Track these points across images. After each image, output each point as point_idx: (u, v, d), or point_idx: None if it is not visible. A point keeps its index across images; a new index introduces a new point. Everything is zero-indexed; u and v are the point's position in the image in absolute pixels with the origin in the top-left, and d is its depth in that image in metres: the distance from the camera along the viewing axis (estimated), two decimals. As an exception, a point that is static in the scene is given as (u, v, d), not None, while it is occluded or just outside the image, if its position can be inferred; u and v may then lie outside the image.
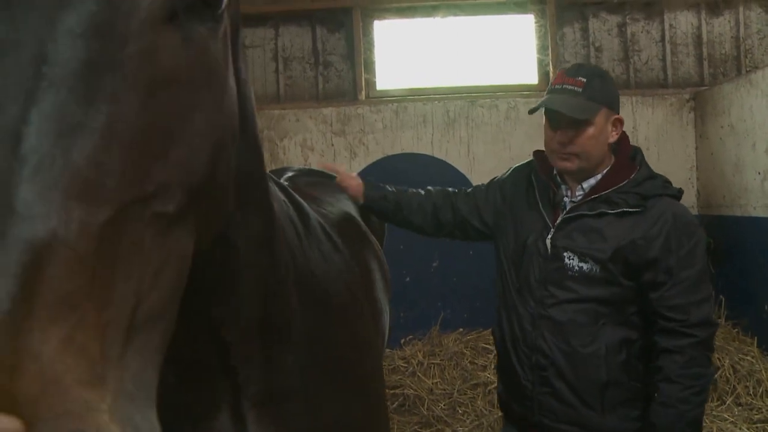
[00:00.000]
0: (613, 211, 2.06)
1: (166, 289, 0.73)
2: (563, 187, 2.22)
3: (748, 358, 4.49)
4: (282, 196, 1.50)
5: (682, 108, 6.15)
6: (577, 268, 2.07)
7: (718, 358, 4.46)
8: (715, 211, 5.80)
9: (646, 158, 2.23)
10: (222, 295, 1.21)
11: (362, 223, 2.53)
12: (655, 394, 2.00)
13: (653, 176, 2.14)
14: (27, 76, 0.63)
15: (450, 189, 2.54)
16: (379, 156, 6.08)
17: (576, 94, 2.06)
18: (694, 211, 6.11)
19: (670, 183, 2.18)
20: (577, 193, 2.19)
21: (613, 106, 2.13)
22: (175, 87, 0.75)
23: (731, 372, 4.35)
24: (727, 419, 3.88)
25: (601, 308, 2.07)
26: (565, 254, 2.10)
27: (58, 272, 0.59)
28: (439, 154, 6.07)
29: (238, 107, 1.10)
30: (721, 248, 5.65)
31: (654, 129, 6.08)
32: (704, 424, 3.78)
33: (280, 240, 1.35)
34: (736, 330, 5.04)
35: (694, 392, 1.98)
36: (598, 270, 2.05)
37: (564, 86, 2.09)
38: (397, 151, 6.09)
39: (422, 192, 2.54)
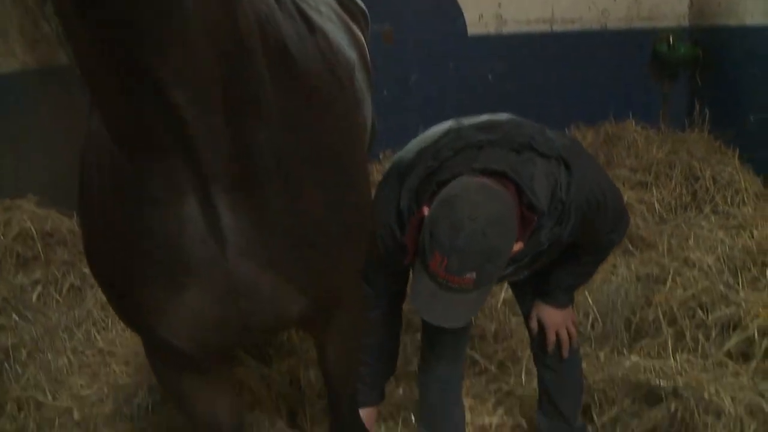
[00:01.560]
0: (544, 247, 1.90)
1: None
2: None
3: (729, 169, 4.45)
4: None
5: None
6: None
7: (700, 169, 4.43)
8: (708, 20, 5.52)
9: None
10: (164, 45, 1.00)
11: (338, 7, 2.27)
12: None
13: (550, 194, 1.81)
14: None
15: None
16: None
17: (465, 292, 1.66)
18: (685, 22, 5.83)
19: (553, 159, 1.83)
20: None
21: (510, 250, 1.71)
22: None
23: (711, 182, 4.33)
24: (704, 227, 3.89)
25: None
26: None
27: None
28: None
29: None
30: (710, 60, 5.45)
31: (649, -71, 5.60)
32: (683, 231, 3.85)
33: None
34: (718, 142, 4.98)
35: (595, 269, 2.20)
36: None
37: (448, 284, 1.64)
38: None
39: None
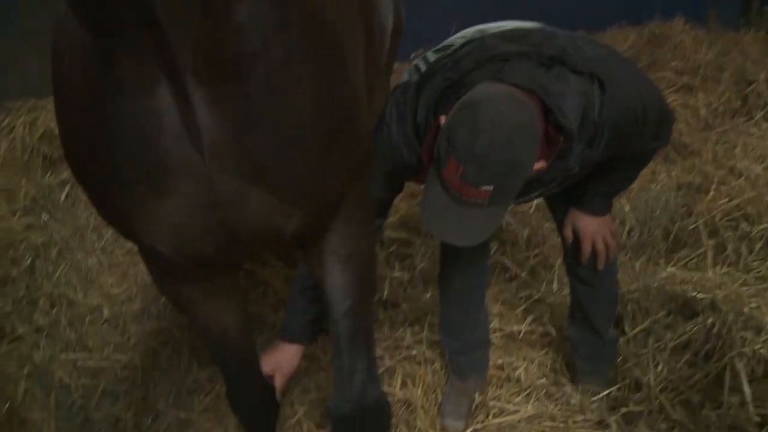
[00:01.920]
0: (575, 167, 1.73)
1: None
2: None
3: (786, 70, 4.16)
4: None
5: None
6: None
7: (753, 72, 4.14)
8: None
9: None
10: None
11: None
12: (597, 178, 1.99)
13: (581, 115, 1.62)
14: None
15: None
16: None
17: (478, 207, 1.52)
18: None
19: (585, 76, 1.64)
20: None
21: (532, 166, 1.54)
22: None
23: (765, 86, 4.05)
24: (754, 134, 3.67)
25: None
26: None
27: None
28: None
29: None
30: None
31: None
32: (730, 138, 3.64)
33: None
34: (775, 42, 4.65)
35: (635, 174, 2.03)
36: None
37: (462, 197, 1.50)
38: None
39: None
